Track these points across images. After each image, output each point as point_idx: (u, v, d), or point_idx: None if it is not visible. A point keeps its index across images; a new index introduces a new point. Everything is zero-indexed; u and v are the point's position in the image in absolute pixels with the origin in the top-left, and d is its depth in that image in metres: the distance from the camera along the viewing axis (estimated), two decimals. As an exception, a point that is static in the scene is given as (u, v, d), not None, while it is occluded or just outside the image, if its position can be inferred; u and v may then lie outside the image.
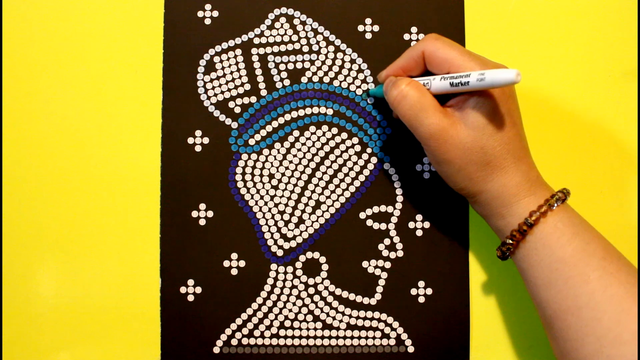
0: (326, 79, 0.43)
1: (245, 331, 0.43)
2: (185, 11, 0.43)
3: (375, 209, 0.43)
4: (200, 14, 0.43)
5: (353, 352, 0.43)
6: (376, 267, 0.43)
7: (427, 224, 0.43)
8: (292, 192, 0.43)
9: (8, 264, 0.43)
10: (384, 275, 0.43)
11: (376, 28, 0.44)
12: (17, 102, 0.43)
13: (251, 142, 0.43)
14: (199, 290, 0.43)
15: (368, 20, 0.44)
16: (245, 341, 0.43)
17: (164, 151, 0.43)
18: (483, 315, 0.43)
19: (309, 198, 0.43)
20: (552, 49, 0.44)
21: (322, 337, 0.43)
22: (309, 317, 0.43)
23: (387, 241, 0.43)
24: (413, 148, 0.43)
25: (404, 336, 0.43)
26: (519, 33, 0.44)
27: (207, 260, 0.43)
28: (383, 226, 0.43)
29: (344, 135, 0.43)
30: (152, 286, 0.43)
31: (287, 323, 0.43)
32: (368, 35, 0.44)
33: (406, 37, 0.44)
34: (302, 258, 0.43)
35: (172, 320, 0.42)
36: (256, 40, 0.43)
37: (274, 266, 0.43)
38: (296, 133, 0.43)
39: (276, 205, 0.43)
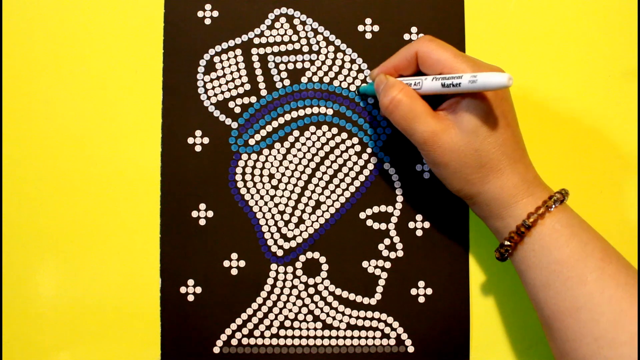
0: (326, 79, 0.43)
1: (245, 331, 0.43)
2: (185, 11, 0.43)
3: (375, 209, 0.43)
4: (200, 14, 0.43)
5: (353, 352, 0.43)
6: (376, 267, 0.43)
7: (427, 224, 0.43)
8: (292, 192, 0.43)
9: (8, 264, 0.43)
10: (384, 275, 0.43)
11: (376, 28, 0.44)
12: (17, 102, 0.43)
13: (251, 142, 0.43)
14: (199, 290, 0.43)
15: (368, 20, 0.44)
16: (245, 341, 0.43)
17: (164, 151, 0.43)
18: (483, 315, 0.43)
19: (309, 198, 0.43)
20: (552, 49, 0.44)
21: (322, 337, 0.43)
22: (309, 317, 0.43)
23: (387, 241, 0.43)
24: (413, 148, 0.43)
25: (404, 336, 0.43)
26: (518, 33, 0.44)
27: (207, 260, 0.43)
28: (383, 226, 0.43)
29: (344, 135, 0.43)
30: (152, 286, 0.43)
31: (287, 323, 0.43)
32: (368, 35, 0.44)
33: (406, 37, 0.44)
34: (302, 258, 0.43)
35: (172, 320, 0.42)
36: (256, 40, 0.43)
37: (274, 266, 0.43)
38: (296, 133, 0.43)
39: (276, 205, 0.43)
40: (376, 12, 0.44)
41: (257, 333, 0.43)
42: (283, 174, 0.43)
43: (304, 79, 0.43)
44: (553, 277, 0.34)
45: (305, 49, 0.44)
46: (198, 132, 0.43)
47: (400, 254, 0.43)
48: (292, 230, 0.43)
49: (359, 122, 0.43)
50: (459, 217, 0.43)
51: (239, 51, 0.43)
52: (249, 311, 0.43)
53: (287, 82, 0.43)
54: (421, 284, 0.43)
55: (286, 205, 0.43)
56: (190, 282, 0.43)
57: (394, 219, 0.43)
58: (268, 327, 0.43)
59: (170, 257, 0.43)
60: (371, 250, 0.43)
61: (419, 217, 0.43)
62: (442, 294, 0.43)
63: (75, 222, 0.43)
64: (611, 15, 0.44)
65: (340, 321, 0.43)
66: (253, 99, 0.43)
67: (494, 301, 0.43)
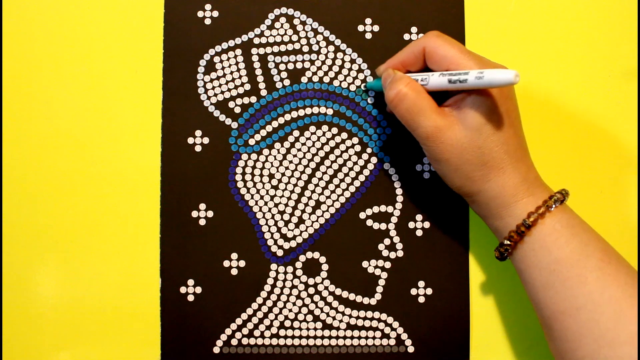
0: (326, 79, 0.43)
1: (245, 331, 0.43)
2: (185, 11, 0.43)
3: (375, 209, 0.43)
4: (200, 14, 0.43)
5: (353, 352, 0.43)
6: (376, 267, 0.43)
7: (427, 224, 0.43)
8: (292, 192, 0.43)
9: (8, 264, 0.43)
10: (384, 275, 0.43)
11: (376, 28, 0.44)
12: (17, 102, 0.43)
13: (251, 142, 0.43)
14: (199, 290, 0.43)
15: (368, 20, 0.44)
16: (245, 341, 0.43)
17: (164, 151, 0.43)
18: (483, 315, 0.43)
19: (309, 198, 0.43)
20: (552, 49, 0.44)
21: (322, 337, 0.43)
22: (309, 317, 0.43)
23: (387, 241, 0.43)
24: (413, 148, 0.43)
25: (404, 336, 0.43)
26: (519, 33, 0.44)
27: (207, 260, 0.43)
28: (383, 226, 0.43)
29: (344, 135, 0.43)
30: (152, 286, 0.43)
31: (287, 323, 0.43)
32: (368, 35, 0.44)
33: (406, 37, 0.44)
34: (302, 258, 0.43)
35: (172, 320, 0.42)
36: (256, 40, 0.43)
37: (274, 266, 0.43)
38: (296, 133, 0.43)
39: (276, 205, 0.43)
40: (376, 12, 0.44)
41: (257, 333, 0.43)
42: (283, 174, 0.43)
43: (304, 79, 0.43)
44: (553, 277, 0.34)
45: (305, 49, 0.44)
46: (198, 132, 0.43)
47: (400, 254, 0.43)
48: (292, 230, 0.43)
49: (359, 122, 0.43)
50: (459, 217, 0.43)
51: (239, 51, 0.43)
52: (249, 311, 0.43)
53: (287, 82, 0.43)
54: (421, 284, 0.43)
55: (286, 205, 0.43)
56: (190, 282, 0.43)
57: (394, 219, 0.43)
58: (268, 327, 0.43)
59: (170, 257, 0.43)
60: (371, 250, 0.43)
61: (419, 217, 0.43)
62: (442, 294, 0.43)
63: (75, 222, 0.43)
64: (611, 15, 0.44)
65: (340, 321, 0.43)
66: (253, 99, 0.43)
67: (494, 301, 0.43)
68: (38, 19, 0.43)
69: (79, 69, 0.43)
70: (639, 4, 0.44)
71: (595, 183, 0.44)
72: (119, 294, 0.43)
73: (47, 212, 0.43)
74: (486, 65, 0.35)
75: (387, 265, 0.43)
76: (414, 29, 0.43)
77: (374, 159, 0.43)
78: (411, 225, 0.43)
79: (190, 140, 0.43)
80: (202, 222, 0.43)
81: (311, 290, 0.43)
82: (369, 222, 0.43)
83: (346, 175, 0.43)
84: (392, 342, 0.43)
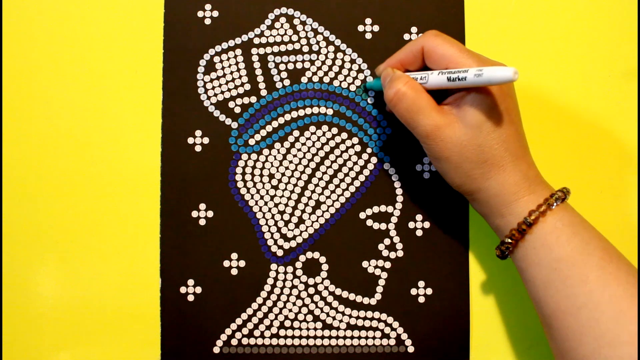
0: (326, 79, 0.43)
1: (245, 331, 0.43)
2: (185, 11, 0.43)
3: (375, 209, 0.43)
4: (200, 14, 0.43)
5: (353, 352, 0.43)
6: (376, 267, 0.43)
7: (427, 224, 0.43)
8: (292, 192, 0.43)
9: (8, 264, 0.43)
10: (384, 275, 0.43)
11: (376, 28, 0.44)
12: (17, 102, 0.43)
13: (251, 142, 0.43)
14: (199, 290, 0.43)
15: (368, 20, 0.44)
16: (245, 341, 0.43)
17: (164, 151, 0.43)
18: (483, 315, 0.43)
19: (309, 198, 0.43)
20: (552, 49, 0.44)
21: (322, 337, 0.43)
22: (309, 317, 0.43)
23: (387, 241, 0.43)
24: (413, 148, 0.43)
25: (404, 336, 0.43)
26: (519, 33, 0.44)
27: (207, 260, 0.43)
28: (383, 226, 0.43)
29: (344, 135, 0.43)
30: (152, 286, 0.43)
31: (287, 323, 0.43)
32: (368, 35, 0.44)
33: (406, 37, 0.44)
34: (302, 258, 0.43)
35: (172, 320, 0.42)
36: (256, 40, 0.43)
37: (274, 266, 0.43)
38: (296, 133, 0.43)
39: (276, 205, 0.43)
40: (376, 12, 0.44)
41: (257, 333, 0.43)
42: (283, 174, 0.43)
43: (304, 79, 0.43)
44: (554, 275, 0.34)
45: (305, 49, 0.44)
46: (198, 132, 0.43)
47: (400, 254, 0.43)
48: (292, 230, 0.43)
49: (359, 122, 0.43)
50: (459, 217, 0.43)
51: (239, 51, 0.43)
52: (249, 311, 0.43)
53: (287, 82, 0.43)
54: (421, 284, 0.43)
55: (286, 205, 0.43)
56: (190, 282, 0.43)
57: (394, 219, 0.43)
58: (268, 327, 0.43)
59: (170, 257, 0.43)
60: (371, 250, 0.43)
61: (419, 217, 0.43)
62: (442, 294, 0.43)
63: (76, 222, 0.43)
64: (611, 15, 0.44)
65: (340, 321, 0.43)
66: (253, 99, 0.43)
67: (494, 301, 0.43)
68: (38, 19, 0.43)
69: (79, 69, 0.43)
70: (639, 4, 0.44)
71: (595, 183, 0.44)
72: (119, 294, 0.43)
73: (47, 212, 0.43)
74: (485, 63, 0.35)
75: (387, 265, 0.43)
76: (414, 29, 0.43)
77: (374, 159, 0.43)
78: (411, 225, 0.43)
79: (190, 140, 0.43)
80: (202, 222, 0.43)
81: (311, 290, 0.43)
82: (369, 222, 0.43)
83: (346, 175, 0.43)
84: (392, 342, 0.43)
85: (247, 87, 0.43)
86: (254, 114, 0.43)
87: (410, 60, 0.38)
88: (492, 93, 0.35)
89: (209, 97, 0.43)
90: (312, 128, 0.43)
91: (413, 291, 0.43)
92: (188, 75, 0.43)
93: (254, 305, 0.43)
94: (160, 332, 0.42)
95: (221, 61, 0.43)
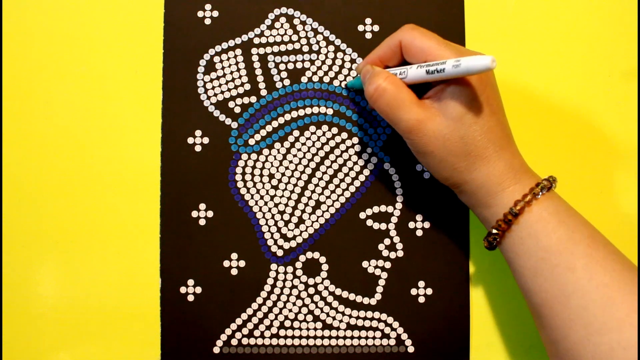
0: (326, 79, 0.43)
1: (245, 331, 0.43)
2: (185, 11, 0.43)
3: (375, 209, 0.43)
4: (200, 14, 0.43)
5: (353, 352, 0.43)
6: (376, 267, 0.43)
7: (427, 224, 0.43)
8: (292, 192, 0.43)
9: (8, 264, 0.43)
10: (384, 275, 0.43)
11: (376, 28, 0.44)
12: (17, 102, 0.43)
13: (251, 142, 0.43)
14: (199, 290, 0.43)
15: (368, 20, 0.44)
16: (245, 341, 0.43)
17: (164, 151, 0.43)
18: (483, 315, 0.43)
19: (309, 198, 0.43)
20: (552, 49, 0.44)
21: (322, 337, 0.43)
22: (309, 317, 0.43)
23: (387, 241, 0.43)
24: (413, 148, 0.43)
25: (404, 336, 0.43)
26: (519, 33, 0.44)
27: (207, 260, 0.43)
28: (383, 226, 0.43)
29: (344, 135, 0.43)
30: (152, 286, 0.43)
31: (287, 323, 0.43)
32: (368, 35, 0.44)
33: (406, 37, 0.43)
34: (302, 258, 0.43)
35: (172, 320, 0.42)
36: (256, 40, 0.43)
37: (274, 266, 0.43)
38: (296, 133, 0.43)
39: (276, 205, 0.43)
40: (376, 12, 0.44)
41: (257, 333, 0.43)
42: (283, 174, 0.43)
43: (304, 79, 0.43)
44: (541, 264, 0.34)
45: (305, 49, 0.44)
46: (198, 132, 0.43)
47: (400, 254, 0.43)
48: (292, 230, 0.43)
49: (359, 122, 0.43)
50: (459, 217, 0.43)
51: (239, 51, 0.43)
52: (249, 311, 0.43)
53: (287, 82, 0.43)
54: (421, 284, 0.43)
55: (286, 205, 0.43)
56: (190, 282, 0.43)
57: (394, 219, 0.43)
58: (268, 327, 0.43)
59: (170, 257, 0.43)
60: (371, 250, 0.43)
61: (419, 217, 0.43)
62: (442, 294, 0.43)
63: (75, 222, 0.43)
64: (611, 15, 0.44)
65: (340, 321, 0.43)
66: (253, 99, 0.43)
67: (494, 301, 0.43)
68: (38, 19, 0.43)
69: (79, 69, 0.43)
70: (639, 4, 0.44)
71: (595, 183, 0.44)
72: (119, 294, 0.43)
73: (47, 212, 0.43)
74: (463, 53, 0.35)
75: (387, 265, 0.43)
76: (414, 29, 0.43)
77: (374, 159, 0.43)
78: (411, 225, 0.43)
79: (190, 140, 0.43)
80: (202, 222, 0.43)
81: (311, 290, 0.43)
82: (369, 222, 0.43)
83: (346, 175, 0.43)
84: (392, 342, 0.43)
85: (247, 87, 0.43)
86: (254, 114, 0.43)
87: (389, 56, 0.38)
88: (472, 84, 0.35)
89: (209, 97, 0.43)
90: (312, 128, 0.43)
91: (413, 291, 0.43)
92: (188, 75, 0.43)
93: (254, 305, 0.43)
94: (160, 332, 0.42)
95: (221, 61, 0.43)
